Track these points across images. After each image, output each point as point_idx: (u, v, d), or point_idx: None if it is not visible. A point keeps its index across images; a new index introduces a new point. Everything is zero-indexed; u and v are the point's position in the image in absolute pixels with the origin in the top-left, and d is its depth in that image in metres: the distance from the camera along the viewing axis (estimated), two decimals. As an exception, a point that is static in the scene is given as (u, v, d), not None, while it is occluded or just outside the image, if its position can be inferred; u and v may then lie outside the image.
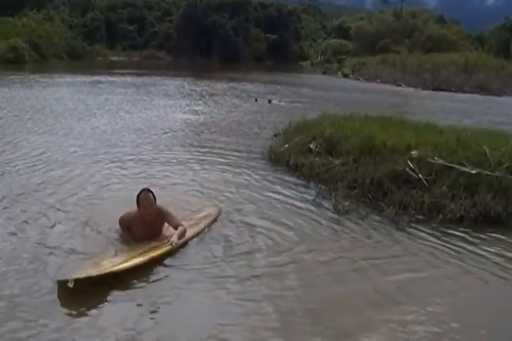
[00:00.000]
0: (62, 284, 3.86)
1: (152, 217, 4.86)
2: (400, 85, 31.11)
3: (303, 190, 7.10)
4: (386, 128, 8.36)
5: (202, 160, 8.63)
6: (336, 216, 6.08)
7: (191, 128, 11.99)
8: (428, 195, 6.28)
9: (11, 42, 36.88)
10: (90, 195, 6.38)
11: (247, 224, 5.64)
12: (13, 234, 5.00)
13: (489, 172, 6.40)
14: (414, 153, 6.92)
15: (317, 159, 7.82)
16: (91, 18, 63.80)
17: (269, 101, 18.06)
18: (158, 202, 4.92)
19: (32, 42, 40.35)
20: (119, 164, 8.02)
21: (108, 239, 4.98)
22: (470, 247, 5.30)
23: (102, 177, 7.22)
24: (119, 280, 4.11)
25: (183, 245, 4.90)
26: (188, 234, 5.03)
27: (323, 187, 7.15)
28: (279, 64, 60.89)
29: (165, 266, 4.54)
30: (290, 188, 7.13)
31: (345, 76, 40.66)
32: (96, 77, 26.84)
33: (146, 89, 22.01)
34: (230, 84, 26.03)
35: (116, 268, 4.15)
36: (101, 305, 3.87)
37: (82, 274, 3.93)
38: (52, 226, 5.24)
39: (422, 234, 5.60)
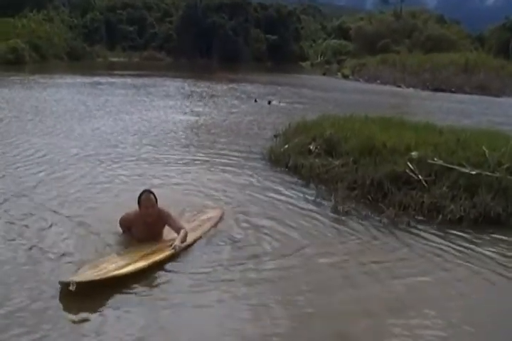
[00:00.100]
0: (64, 286, 3.84)
1: (153, 218, 4.85)
2: (399, 86, 31.12)
3: (303, 191, 7.10)
4: (386, 129, 8.37)
5: (202, 161, 8.64)
6: (337, 217, 6.08)
7: (191, 129, 12.00)
8: (428, 195, 6.29)
9: (11, 43, 36.88)
10: (90, 196, 6.38)
11: (250, 225, 5.61)
12: (14, 236, 4.97)
13: (489, 173, 6.41)
14: (414, 153, 6.93)
15: (317, 160, 7.83)
16: (91, 18, 63.79)
17: (269, 102, 18.06)
18: (160, 204, 4.92)
19: (32, 43, 40.36)
20: (119, 165, 8.02)
21: (109, 240, 4.97)
22: (476, 248, 5.30)
23: (103, 179, 7.22)
24: (121, 283, 4.06)
25: (187, 248, 4.84)
26: (192, 236, 5.00)
27: (323, 188, 7.15)
28: (279, 64, 60.90)
29: (168, 269, 4.47)
30: (290, 189, 7.14)
31: (345, 77, 40.64)
32: (96, 78, 26.84)
33: (147, 90, 22.01)
34: (230, 85, 26.03)
35: (119, 272, 4.10)
36: (104, 310, 3.79)
37: (85, 277, 3.90)
38: (52, 228, 5.21)
39: (427, 236, 5.59)
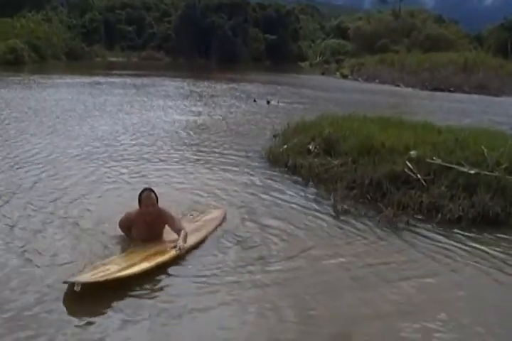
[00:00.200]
0: (69, 286, 3.82)
1: (153, 217, 4.84)
2: (398, 85, 31.15)
3: (302, 190, 7.11)
4: (385, 128, 8.38)
5: (201, 161, 8.65)
6: (338, 217, 6.08)
7: (190, 129, 12.00)
8: (427, 195, 6.30)
9: (10, 43, 36.90)
10: (90, 196, 6.38)
11: (254, 225, 5.60)
12: (14, 237, 4.95)
13: (488, 173, 6.42)
14: (412, 153, 6.94)
15: (316, 160, 7.84)
16: (89, 18, 63.82)
17: (268, 102, 18.08)
18: (161, 203, 4.91)
19: (31, 43, 40.39)
20: (119, 165, 8.03)
21: (111, 241, 4.94)
22: (481, 247, 5.28)
23: (103, 179, 7.23)
24: (124, 286, 4.01)
25: (191, 249, 4.80)
26: (196, 237, 4.99)
27: (323, 187, 7.15)
28: (278, 64, 60.91)
29: (173, 271, 4.41)
30: (289, 189, 7.15)
31: (344, 77, 40.65)
32: (95, 78, 26.85)
33: (146, 90, 22.02)
34: (229, 85, 26.04)
35: (124, 273, 4.06)
36: (108, 314, 3.73)
37: (89, 278, 3.88)
38: (53, 229, 5.20)
39: (431, 235, 5.58)
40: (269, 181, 7.52)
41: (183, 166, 8.21)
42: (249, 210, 6.12)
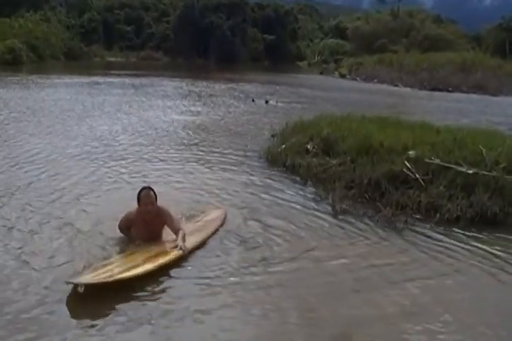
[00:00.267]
0: (72, 287, 3.80)
1: (152, 216, 4.83)
2: (397, 85, 31.17)
3: (301, 190, 7.12)
4: (383, 128, 8.40)
5: (200, 160, 8.65)
6: (337, 216, 6.08)
7: (189, 129, 11.99)
8: (425, 194, 6.31)
9: (9, 43, 36.87)
10: (89, 196, 6.37)
11: (255, 226, 5.58)
12: (14, 239, 4.93)
13: (486, 172, 6.42)
14: (411, 153, 6.95)
15: (314, 159, 7.84)
16: (88, 18, 63.80)
17: (266, 102, 18.09)
18: (160, 203, 4.90)
19: (29, 43, 40.37)
20: (118, 165, 8.02)
21: (111, 241, 4.93)
22: (483, 247, 5.27)
23: (103, 178, 7.23)
24: (127, 287, 3.98)
25: (193, 250, 4.76)
26: (198, 237, 4.98)
27: (321, 187, 7.15)
28: (277, 64, 60.92)
29: (175, 272, 4.38)
30: (288, 189, 7.15)
31: (343, 76, 40.69)
32: (94, 78, 26.84)
33: (144, 90, 22.02)
34: (228, 85, 26.04)
35: (127, 274, 4.03)
36: (110, 316, 3.70)
37: (92, 279, 3.86)
38: (53, 230, 5.18)
39: (433, 235, 5.58)
40: (268, 181, 7.52)
41: (181, 166, 8.20)
42: (249, 210, 6.11)
